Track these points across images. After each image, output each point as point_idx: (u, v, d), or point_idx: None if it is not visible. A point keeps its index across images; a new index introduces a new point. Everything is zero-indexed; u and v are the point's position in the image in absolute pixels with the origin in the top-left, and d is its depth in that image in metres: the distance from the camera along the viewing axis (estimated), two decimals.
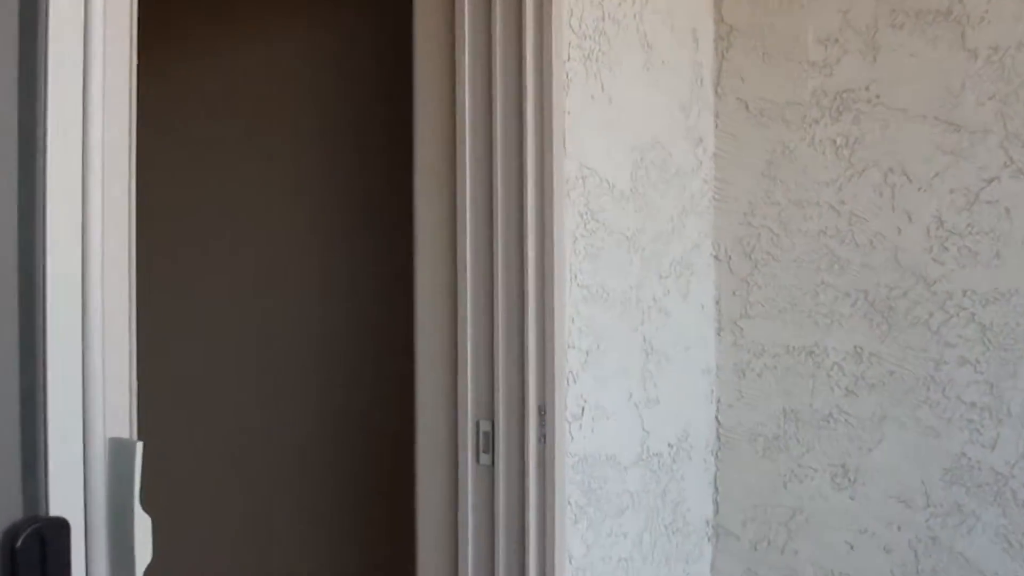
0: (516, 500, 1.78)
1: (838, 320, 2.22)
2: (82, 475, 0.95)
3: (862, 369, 2.20)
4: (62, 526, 0.91)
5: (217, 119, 2.91)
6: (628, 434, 2.04)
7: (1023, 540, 2.03)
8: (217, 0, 2.90)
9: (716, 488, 2.37)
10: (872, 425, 2.18)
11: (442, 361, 1.85)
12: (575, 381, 1.85)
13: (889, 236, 2.16)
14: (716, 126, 2.36)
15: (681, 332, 2.24)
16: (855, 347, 2.20)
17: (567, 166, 1.81)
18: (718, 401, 2.37)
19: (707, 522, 2.36)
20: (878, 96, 2.18)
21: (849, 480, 2.21)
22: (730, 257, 2.35)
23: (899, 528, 2.16)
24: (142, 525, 0.99)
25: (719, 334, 2.36)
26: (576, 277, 1.85)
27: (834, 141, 2.22)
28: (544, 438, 1.76)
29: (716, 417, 2.38)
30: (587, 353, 1.89)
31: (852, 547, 2.21)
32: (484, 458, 1.80)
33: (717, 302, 2.37)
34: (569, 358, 1.83)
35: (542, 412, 1.77)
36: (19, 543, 0.86)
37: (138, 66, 1.05)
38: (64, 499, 0.93)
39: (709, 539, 2.37)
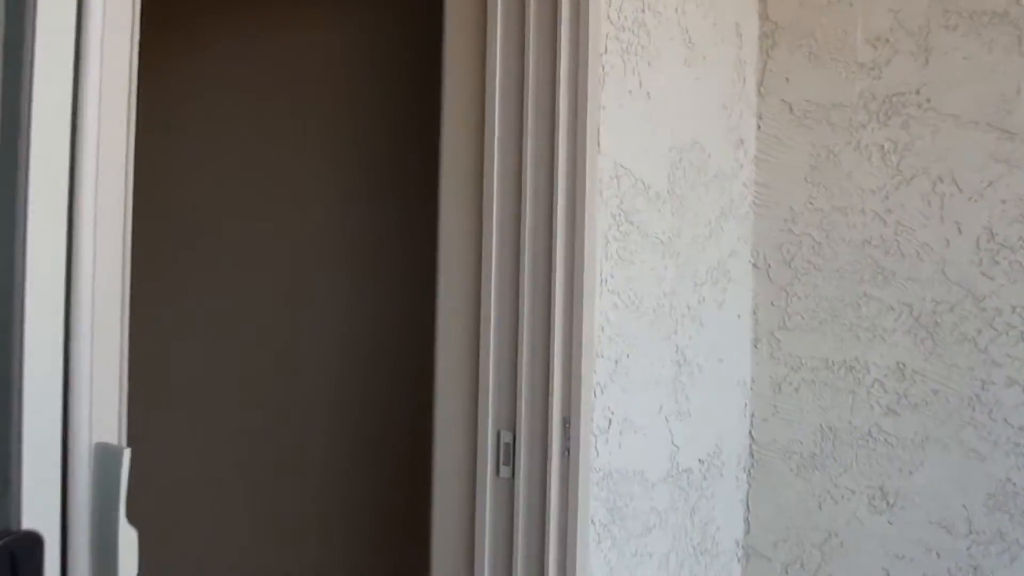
0: (536, 516, 1.73)
1: (881, 335, 2.19)
2: (60, 484, 0.89)
3: (904, 387, 2.17)
4: (35, 541, 0.85)
5: (231, 114, 2.86)
6: (657, 449, 1.99)
7: None
8: None
9: (747, 507, 2.34)
10: (913, 446, 2.16)
11: (463, 366, 1.81)
12: (602, 392, 1.80)
13: (937, 248, 2.14)
14: (758, 127, 2.32)
15: (715, 342, 2.19)
16: (898, 363, 2.17)
17: (600, 164, 1.77)
18: (752, 416, 2.33)
19: (737, 543, 2.32)
20: (929, 100, 2.16)
21: (887, 503, 2.18)
22: (769, 265, 2.29)
23: (938, 555, 2.13)
24: (127, 539, 0.93)
25: (755, 345, 2.32)
26: (606, 282, 1.80)
27: (881, 146, 2.20)
28: (568, 451, 1.71)
29: (750, 432, 2.33)
30: (616, 362, 1.84)
31: (888, 573, 2.19)
32: (504, 470, 1.76)
33: (754, 312, 2.33)
34: (597, 367, 1.78)
35: (567, 424, 1.72)
36: None
37: (141, 58, 1.01)
38: (39, 511, 0.87)
39: (739, 560, 2.33)
